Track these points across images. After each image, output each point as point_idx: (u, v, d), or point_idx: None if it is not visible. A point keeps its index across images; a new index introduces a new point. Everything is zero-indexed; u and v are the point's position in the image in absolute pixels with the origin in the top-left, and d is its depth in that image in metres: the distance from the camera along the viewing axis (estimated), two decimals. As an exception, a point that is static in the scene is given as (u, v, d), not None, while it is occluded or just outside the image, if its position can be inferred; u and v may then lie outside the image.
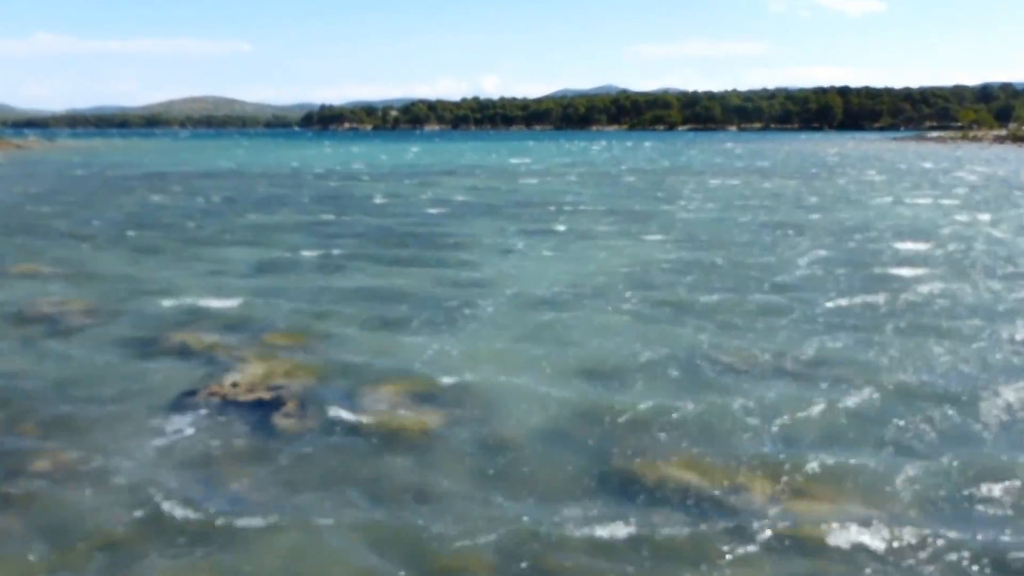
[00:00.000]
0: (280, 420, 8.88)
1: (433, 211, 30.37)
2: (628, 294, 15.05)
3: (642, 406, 9.27)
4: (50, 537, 6.52)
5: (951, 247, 20.71)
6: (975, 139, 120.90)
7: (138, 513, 6.87)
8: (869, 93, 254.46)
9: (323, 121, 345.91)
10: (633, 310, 13.86)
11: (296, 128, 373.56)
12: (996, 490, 7.24)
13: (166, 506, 7.00)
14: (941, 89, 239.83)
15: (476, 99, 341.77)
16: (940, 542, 6.38)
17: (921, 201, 33.72)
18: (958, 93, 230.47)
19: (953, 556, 6.22)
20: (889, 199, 34.69)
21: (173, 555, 6.29)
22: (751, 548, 6.37)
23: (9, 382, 10.16)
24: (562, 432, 8.64)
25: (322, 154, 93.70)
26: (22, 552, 6.30)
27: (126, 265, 18.56)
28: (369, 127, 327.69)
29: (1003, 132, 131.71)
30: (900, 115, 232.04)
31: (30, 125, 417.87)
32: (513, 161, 74.62)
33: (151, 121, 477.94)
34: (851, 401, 9.43)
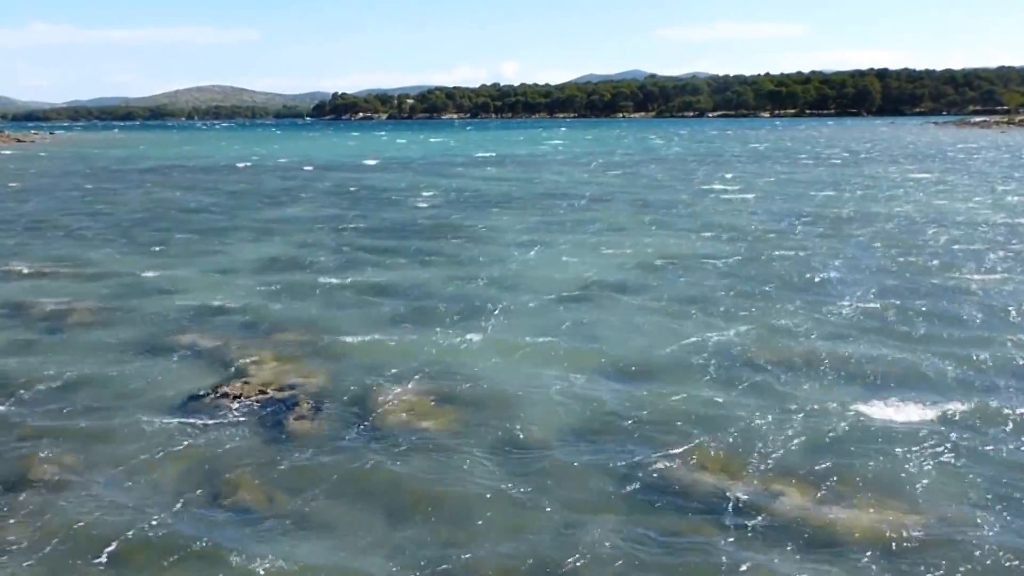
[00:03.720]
0: (294, 422, 8.91)
1: (454, 203, 30.41)
2: (655, 289, 15.01)
3: (670, 405, 9.26)
4: (57, 541, 6.57)
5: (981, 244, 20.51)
6: (1022, 123, 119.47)
7: (147, 518, 6.91)
8: (909, 76, 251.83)
9: (336, 111, 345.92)
10: (660, 305, 13.82)
11: (307, 118, 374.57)
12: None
13: (176, 510, 7.05)
14: (985, 71, 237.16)
15: (496, 86, 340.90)
16: (977, 551, 6.33)
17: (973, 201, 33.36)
18: (1003, 75, 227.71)
19: (995, 560, 6.17)
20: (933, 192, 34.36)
21: (183, 561, 6.32)
22: (784, 553, 6.33)
23: (14, 383, 10.25)
24: (587, 433, 8.62)
25: (339, 145, 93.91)
26: (30, 555, 6.35)
27: (133, 262, 18.70)
28: (384, 116, 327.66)
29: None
30: (942, 99, 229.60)
31: (31, 118, 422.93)
32: (535, 151, 74.49)
33: (156, 113, 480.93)
34: (884, 404, 9.36)
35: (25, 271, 17.67)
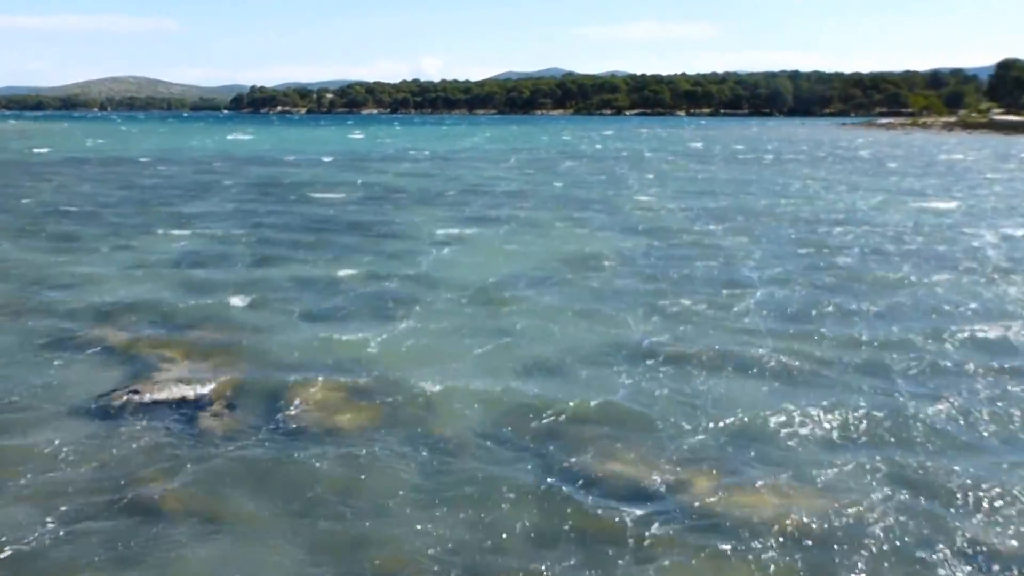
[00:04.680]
0: (206, 420, 8.75)
1: (372, 198, 30.17)
2: (571, 285, 15.13)
3: (584, 401, 9.34)
4: (-44, 548, 6.33)
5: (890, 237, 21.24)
6: (925, 125, 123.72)
7: (50, 520, 6.72)
8: (819, 78, 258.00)
9: (254, 104, 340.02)
10: (576, 302, 13.93)
11: (225, 111, 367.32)
12: (935, 493, 7.47)
13: (83, 514, 6.85)
14: (891, 75, 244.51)
15: (416, 82, 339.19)
16: (880, 531, 6.57)
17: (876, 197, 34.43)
18: (908, 79, 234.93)
19: (895, 546, 6.40)
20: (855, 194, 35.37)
21: (89, 567, 6.15)
22: (693, 540, 6.46)
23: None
24: (501, 429, 8.65)
25: (252, 139, 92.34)
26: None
27: (41, 257, 18.07)
28: (303, 110, 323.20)
29: (953, 119, 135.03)
30: (851, 101, 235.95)
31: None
32: (455, 146, 74.37)
33: (68, 103, 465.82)
34: (791, 398, 9.60)
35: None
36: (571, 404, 9.24)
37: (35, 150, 63.73)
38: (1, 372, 10.26)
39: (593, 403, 9.29)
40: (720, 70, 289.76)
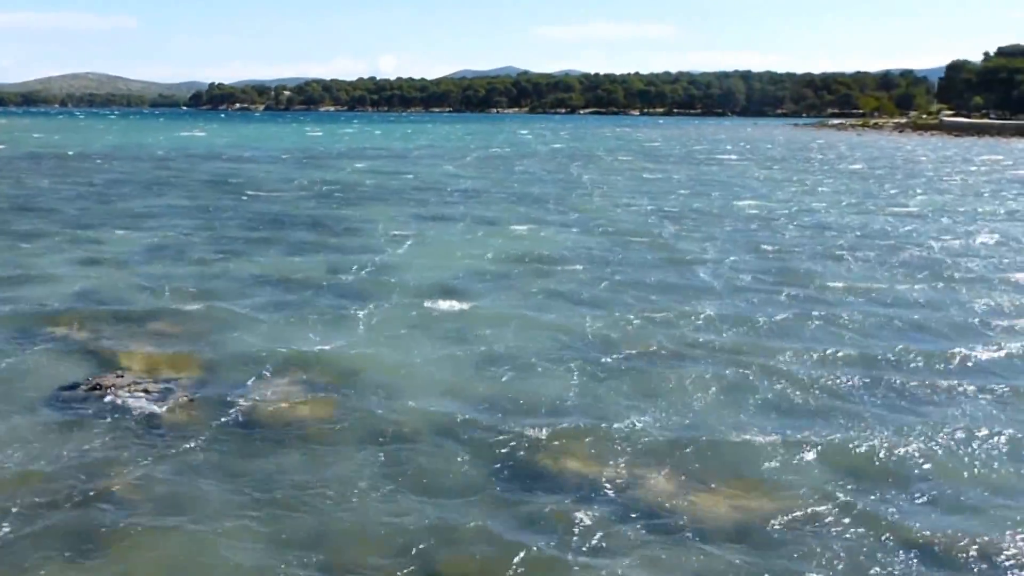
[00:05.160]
0: (168, 414, 8.76)
1: (329, 195, 30.07)
2: (526, 283, 15.24)
3: (538, 399, 9.46)
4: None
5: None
6: (876, 127, 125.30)
7: (11, 516, 6.70)
8: (772, 79, 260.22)
9: (213, 101, 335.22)
10: (531, 300, 14.07)
11: (184, 108, 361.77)
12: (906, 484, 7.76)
13: (43, 507, 6.84)
14: (843, 76, 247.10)
15: (373, 79, 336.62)
16: (832, 531, 6.82)
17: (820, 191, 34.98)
18: (860, 80, 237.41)
19: (845, 534, 6.65)
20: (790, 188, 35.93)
21: (49, 561, 6.15)
22: (645, 536, 6.62)
23: None
24: (459, 424, 8.74)
25: (209, 135, 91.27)
26: None
27: (4, 251, 17.79)
28: (261, 107, 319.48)
29: (904, 120, 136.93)
30: (802, 101, 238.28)
31: None
32: (411, 144, 74.17)
33: (28, 99, 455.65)
34: (745, 395, 9.81)
35: None
36: (525, 401, 9.35)
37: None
38: (-41, 367, 10.16)
39: (547, 401, 9.39)
40: (673, 70, 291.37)
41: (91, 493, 7.08)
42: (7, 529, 6.51)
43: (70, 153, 53.88)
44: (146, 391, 9.29)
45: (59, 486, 7.20)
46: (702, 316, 12.88)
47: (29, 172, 38.61)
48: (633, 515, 6.92)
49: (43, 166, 42.60)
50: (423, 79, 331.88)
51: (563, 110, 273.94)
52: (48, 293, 13.87)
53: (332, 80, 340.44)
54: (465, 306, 13.38)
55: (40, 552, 6.22)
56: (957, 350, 11.25)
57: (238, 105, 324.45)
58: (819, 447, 8.22)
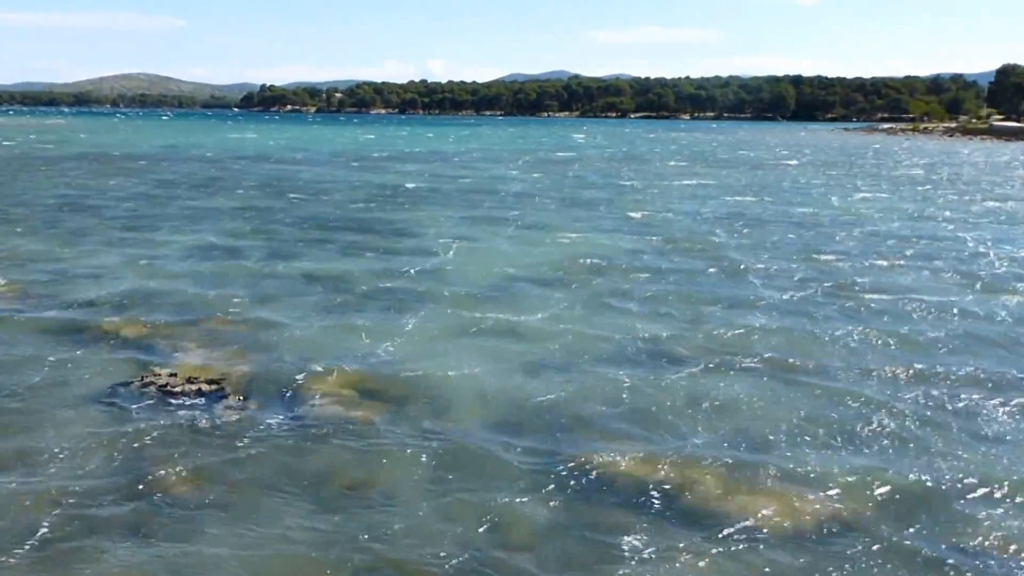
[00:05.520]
0: (221, 412, 8.76)
1: (380, 198, 30.17)
2: (578, 285, 15.10)
3: (589, 399, 9.34)
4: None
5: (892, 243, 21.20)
6: (926, 131, 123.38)
7: (68, 509, 6.73)
8: (822, 83, 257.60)
9: (264, 103, 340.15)
10: (584, 300, 13.92)
11: (235, 110, 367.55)
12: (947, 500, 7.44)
13: (98, 501, 6.87)
14: (892, 80, 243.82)
15: (424, 82, 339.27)
16: (887, 540, 6.55)
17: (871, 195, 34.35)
18: (909, 85, 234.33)
19: (903, 557, 6.39)
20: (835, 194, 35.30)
21: (105, 552, 6.16)
22: (697, 539, 6.45)
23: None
24: (510, 424, 8.65)
25: (261, 137, 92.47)
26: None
27: (58, 250, 18.11)
28: (312, 110, 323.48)
29: (953, 124, 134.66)
30: (852, 106, 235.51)
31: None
32: (463, 147, 74.39)
33: (81, 99, 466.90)
34: (797, 398, 9.61)
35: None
36: (575, 407, 9.22)
37: (49, 146, 63.87)
38: (20, 362, 10.28)
39: (597, 406, 9.26)
40: (723, 75, 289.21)
41: (143, 489, 7.09)
42: (61, 523, 6.52)
43: (120, 154, 54.86)
44: (199, 390, 9.28)
45: (112, 481, 7.23)
46: (755, 325, 12.60)
47: (83, 172, 39.37)
48: (685, 522, 6.77)
49: (96, 167, 43.39)
50: (474, 82, 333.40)
51: (613, 114, 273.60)
52: (102, 292, 14.00)
53: (383, 83, 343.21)
54: (515, 311, 13.23)
55: (92, 546, 6.22)
56: (1016, 371, 10.80)
57: (289, 107, 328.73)
58: (873, 460, 7.99)
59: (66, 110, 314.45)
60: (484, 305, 13.43)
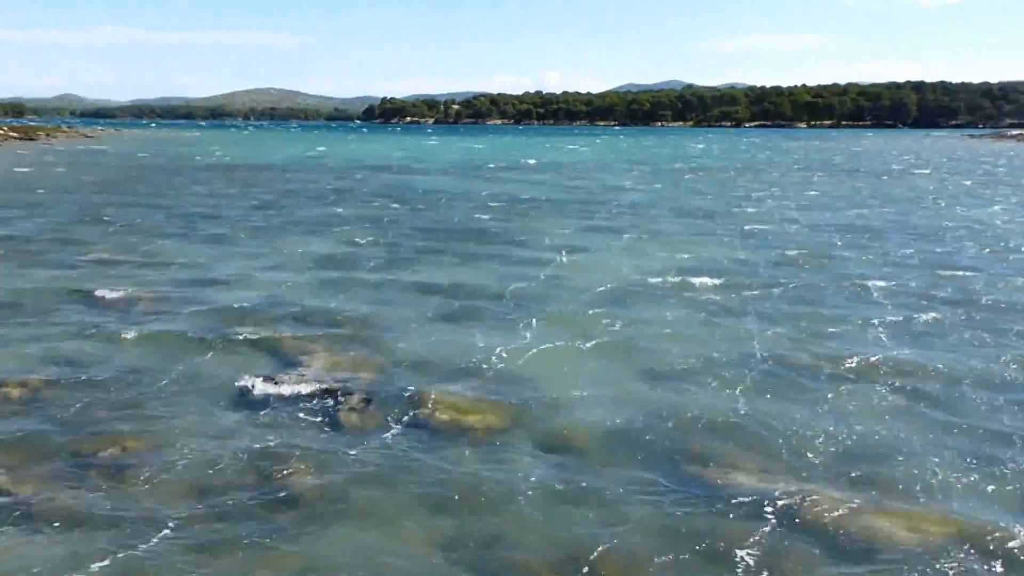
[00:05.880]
0: (345, 415, 8.97)
1: (497, 207, 30.43)
2: (694, 295, 14.88)
3: (706, 410, 9.19)
4: (114, 522, 6.67)
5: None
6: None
7: (199, 504, 7.00)
8: (945, 89, 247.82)
9: (384, 115, 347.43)
10: (702, 310, 13.72)
11: (357, 121, 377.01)
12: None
13: (229, 496, 7.12)
14: (1022, 84, 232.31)
15: (539, 93, 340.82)
16: (1016, 562, 6.21)
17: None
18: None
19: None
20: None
21: (233, 546, 6.37)
22: (819, 559, 6.26)
23: (79, 369, 10.44)
24: (629, 434, 8.58)
25: (382, 148, 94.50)
26: (87, 534, 6.47)
27: (193, 254, 18.98)
28: (431, 121, 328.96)
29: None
30: (978, 112, 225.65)
31: (98, 115, 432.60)
32: (577, 157, 74.43)
33: (215, 113, 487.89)
34: (923, 412, 9.24)
35: (94, 260, 18.08)
36: (693, 413, 9.10)
37: (186, 156, 66.83)
38: (156, 362, 10.76)
39: (715, 412, 9.12)
40: (841, 81, 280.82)
41: (269, 487, 7.32)
42: (189, 517, 6.78)
43: (249, 164, 56.99)
44: (326, 390, 9.53)
45: (241, 478, 7.48)
46: (877, 343, 12.09)
47: (215, 182, 41.06)
48: (805, 534, 6.58)
49: (227, 176, 45.18)
50: (588, 93, 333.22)
51: (728, 123, 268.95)
52: (233, 298, 14.52)
53: (499, 94, 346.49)
54: (630, 322, 13.08)
55: (219, 540, 6.44)
56: None
57: (408, 119, 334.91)
58: (1001, 477, 7.61)
59: (201, 123, 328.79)
60: (598, 316, 13.36)
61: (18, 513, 6.78)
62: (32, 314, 13.08)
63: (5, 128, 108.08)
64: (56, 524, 6.62)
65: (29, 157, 60.60)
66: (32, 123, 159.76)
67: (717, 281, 16.09)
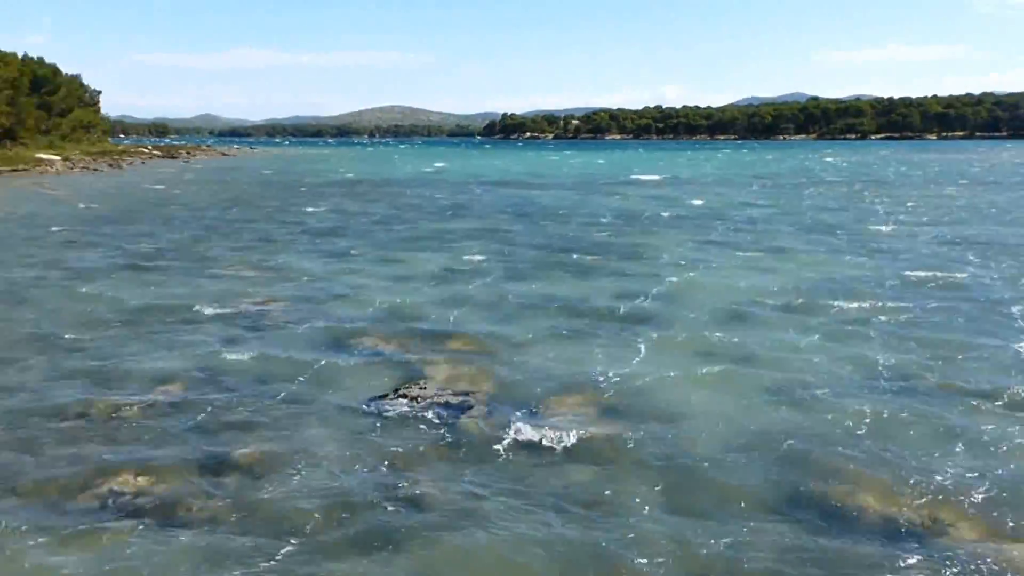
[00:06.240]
0: (466, 426, 9.11)
1: (615, 222, 30.35)
2: (815, 313, 14.44)
3: (828, 429, 8.94)
4: (248, 526, 6.95)
5: None
6: None
7: (328, 509, 7.21)
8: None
9: (505, 131, 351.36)
10: (825, 329, 13.29)
11: (478, 137, 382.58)
12: None
13: (354, 503, 7.32)
14: None
15: (659, 108, 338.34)
16: None
17: None
18: None
19: None
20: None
21: (359, 550, 6.56)
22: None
23: (215, 376, 10.95)
24: (750, 452, 8.42)
25: (503, 163, 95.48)
26: (221, 539, 6.74)
27: (322, 267, 19.68)
28: (550, 136, 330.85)
29: None
30: None
31: (233, 134, 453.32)
32: (697, 172, 73.50)
33: (343, 131, 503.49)
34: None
35: (231, 271, 18.99)
36: (813, 433, 8.86)
37: (312, 173, 69.13)
38: (287, 370, 11.18)
39: (838, 432, 8.87)
40: (975, 91, 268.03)
41: (395, 493, 7.49)
42: (321, 523, 6.99)
43: (375, 180, 58.56)
44: (446, 403, 9.69)
45: (368, 484, 7.69)
46: (1011, 366, 11.45)
47: (343, 197, 42.24)
48: (938, 564, 6.30)
49: (354, 191, 46.59)
50: (708, 107, 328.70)
51: (853, 136, 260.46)
52: (355, 309, 14.95)
53: (618, 109, 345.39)
54: (750, 337, 12.83)
55: (346, 549, 6.60)
56: None
57: (528, 134, 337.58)
58: None
59: (330, 141, 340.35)
60: (718, 331, 13.14)
61: (152, 519, 7.10)
62: (159, 328, 13.65)
63: (150, 147, 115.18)
64: (189, 530, 6.91)
65: (170, 174, 63.97)
66: (175, 142, 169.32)
67: (842, 301, 15.51)
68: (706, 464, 8.11)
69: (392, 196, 43.07)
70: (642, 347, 12.20)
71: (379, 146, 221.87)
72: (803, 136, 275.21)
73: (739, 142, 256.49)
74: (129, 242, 24.10)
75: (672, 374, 10.92)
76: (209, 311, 14.72)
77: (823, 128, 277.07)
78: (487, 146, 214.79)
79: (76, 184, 52.35)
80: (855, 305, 15.07)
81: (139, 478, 7.77)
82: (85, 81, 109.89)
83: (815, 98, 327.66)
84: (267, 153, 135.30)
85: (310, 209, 34.85)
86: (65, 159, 74.04)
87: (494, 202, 39.46)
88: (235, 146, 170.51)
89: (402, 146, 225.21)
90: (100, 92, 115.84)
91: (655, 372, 10.97)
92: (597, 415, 9.42)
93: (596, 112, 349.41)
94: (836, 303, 15.23)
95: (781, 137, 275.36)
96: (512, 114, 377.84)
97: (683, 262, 20.20)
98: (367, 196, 42.99)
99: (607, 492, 7.53)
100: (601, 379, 10.65)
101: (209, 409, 9.68)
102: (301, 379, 10.78)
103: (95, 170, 69.10)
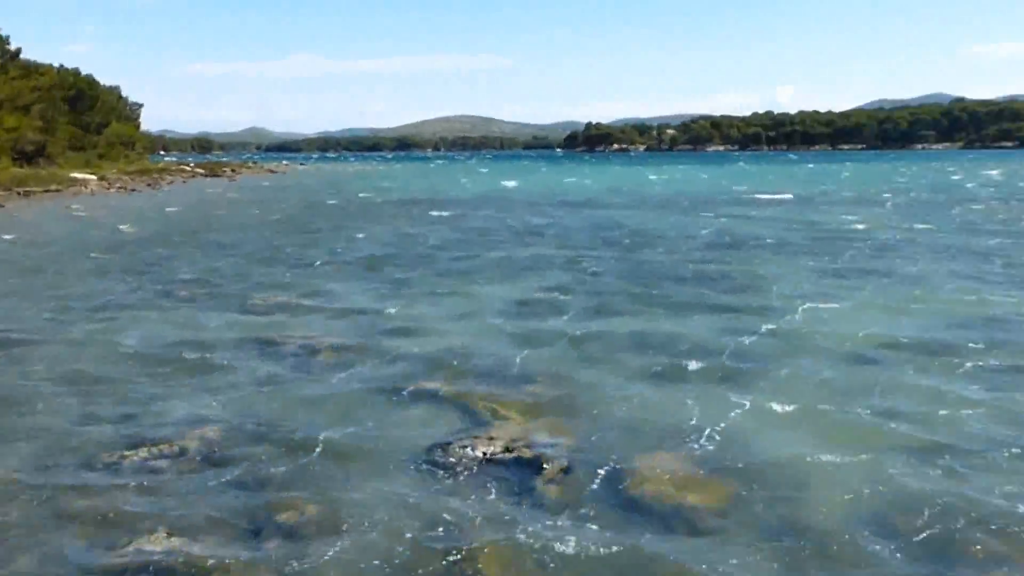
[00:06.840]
0: (541, 485, 9.09)
1: (715, 246, 30.19)
2: (970, 358, 13.95)
3: (978, 499, 8.64)
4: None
5: None
6: None
7: (386, 570, 7.29)
8: None
9: (589, 142, 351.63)
10: (978, 380, 12.81)
11: (559, 150, 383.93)
12: None
13: (408, 565, 7.40)
14: None
15: (769, 114, 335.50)
16: None
17: None
18: None
19: None
20: None
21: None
22: None
23: (256, 422, 11.16)
24: (878, 521, 8.22)
25: (589, 181, 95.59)
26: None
27: (375, 299, 19.93)
28: (642, 148, 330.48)
29: None
30: None
31: (283, 149, 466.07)
32: (814, 189, 72.63)
33: (402, 143, 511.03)
34: None
35: (274, 304, 19.38)
36: (960, 502, 8.58)
37: (366, 190, 70.31)
38: (338, 416, 11.34)
39: (987, 503, 8.57)
40: None
41: (452, 567, 7.47)
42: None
43: (436, 199, 59.26)
44: (518, 459, 9.72)
45: (428, 547, 7.73)
46: None
47: (402, 219, 43.00)
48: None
49: (411, 213, 47.23)
50: (829, 112, 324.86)
51: (1009, 144, 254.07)
52: (417, 346, 15.11)
53: (721, 116, 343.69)
54: (882, 388, 12.47)
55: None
56: None
57: (616, 145, 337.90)
58: None
59: (388, 155, 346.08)
60: (842, 378, 12.89)
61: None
62: (209, 362, 14.11)
63: (192, 164, 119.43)
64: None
65: (213, 195, 65.76)
66: (218, 159, 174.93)
67: (999, 345, 14.92)
68: (831, 543, 7.87)
69: (455, 218, 43.53)
70: (747, 395, 12.05)
71: (444, 161, 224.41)
72: (946, 144, 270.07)
73: (868, 152, 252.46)
74: (164, 270, 24.87)
75: (783, 428, 10.76)
76: (255, 347, 15.06)
77: (971, 135, 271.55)
78: (567, 160, 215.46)
79: (110, 205, 54.70)
80: (1016, 351, 14.70)
81: (172, 538, 7.96)
82: (125, 93, 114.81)
83: (960, 99, 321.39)
84: (318, 170, 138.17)
85: (361, 236, 35.43)
86: (101, 178, 77.88)
87: (573, 225, 39.48)
88: (284, 162, 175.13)
89: (471, 160, 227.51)
90: (141, 105, 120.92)
91: (763, 425, 10.83)
92: (696, 477, 9.27)
93: (695, 120, 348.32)
94: (991, 348, 14.73)
95: (919, 146, 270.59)
96: (597, 123, 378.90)
97: (799, 295, 19.89)
98: (426, 219, 43.53)
99: (704, 565, 7.41)
100: (700, 434, 10.51)
101: (248, 460, 9.86)
102: (350, 428, 10.91)
103: (132, 190, 72.74)
